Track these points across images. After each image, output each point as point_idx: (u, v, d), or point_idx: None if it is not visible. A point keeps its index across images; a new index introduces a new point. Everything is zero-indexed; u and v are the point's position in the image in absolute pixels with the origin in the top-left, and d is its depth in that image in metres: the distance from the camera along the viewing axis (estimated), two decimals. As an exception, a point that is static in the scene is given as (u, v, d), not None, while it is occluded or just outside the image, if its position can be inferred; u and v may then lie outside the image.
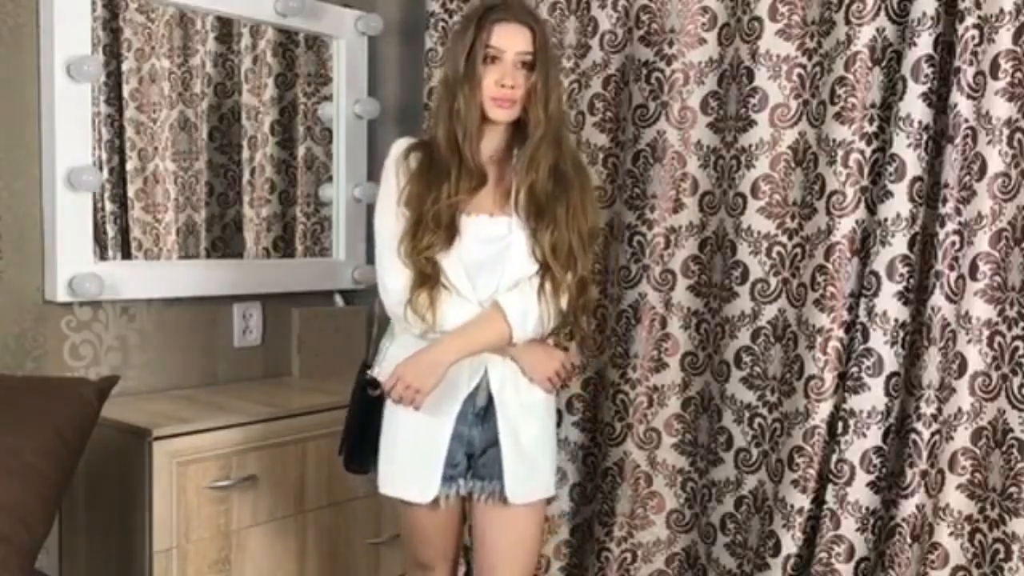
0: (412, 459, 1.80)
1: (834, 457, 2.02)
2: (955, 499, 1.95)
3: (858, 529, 2.01)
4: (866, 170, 2.02)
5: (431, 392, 1.72)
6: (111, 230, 2.32)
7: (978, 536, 1.94)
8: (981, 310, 1.91)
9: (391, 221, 1.76)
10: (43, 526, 1.64)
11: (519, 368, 1.82)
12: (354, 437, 1.86)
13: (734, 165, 2.19)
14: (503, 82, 1.71)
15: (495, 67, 1.71)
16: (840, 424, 2.02)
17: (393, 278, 1.75)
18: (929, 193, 1.95)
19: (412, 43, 2.71)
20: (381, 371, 1.80)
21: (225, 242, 2.54)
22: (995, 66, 1.85)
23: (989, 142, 1.87)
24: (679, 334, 2.31)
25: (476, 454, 1.81)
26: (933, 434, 1.92)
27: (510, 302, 1.75)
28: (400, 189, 1.76)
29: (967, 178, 1.89)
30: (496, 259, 1.77)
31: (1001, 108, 1.86)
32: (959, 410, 1.93)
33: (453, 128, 1.72)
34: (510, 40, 1.72)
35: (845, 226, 2.02)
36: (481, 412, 1.80)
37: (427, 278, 1.73)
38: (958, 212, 1.90)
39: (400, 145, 1.82)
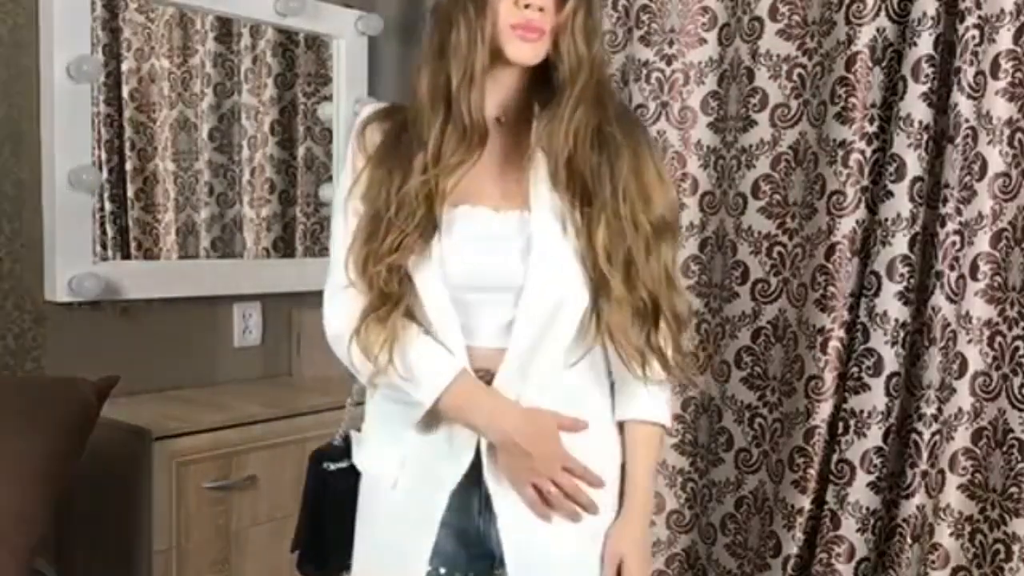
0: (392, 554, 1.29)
1: (834, 457, 2.02)
2: (955, 499, 1.95)
3: (858, 529, 2.01)
4: (866, 170, 2.02)
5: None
6: (111, 230, 2.32)
7: (978, 536, 1.94)
8: (981, 310, 1.91)
9: (339, 222, 1.26)
10: (43, 526, 1.64)
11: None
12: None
13: (734, 165, 2.19)
14: (527, 0, 1.18)
15: None
16: (840, 424, 2.02)
17: (336, 303, 1.25)
18: (930, 193, 1.95)
19: (412, 43, 2.71)
20: (360, 452, 1.34)
21: (225, 242, 2.54)
22: (996, 66, 1.85)
23: (990, 142, 1.87)
24: (679, 334, 2.30)
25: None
26: (934, 434, 1.91)
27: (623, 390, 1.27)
28: (355, 175, 1.25)
29: (967, 178, 1.89)
30: (503, 277, 1.22)
31: (1001, 108, 1.86)
32: (959, 410, 1.93)
33: (444, 70, 1.19)
34: None
35: (845, 226, 2.02)
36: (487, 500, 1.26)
37: (386, 299, 1.19)
38: (958, 212, 1.89)
39: (363, 112, 1.31)
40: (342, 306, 1.24)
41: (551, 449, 1.22)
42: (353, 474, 1.34)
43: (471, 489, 1.25)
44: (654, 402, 1.29)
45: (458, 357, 1.21)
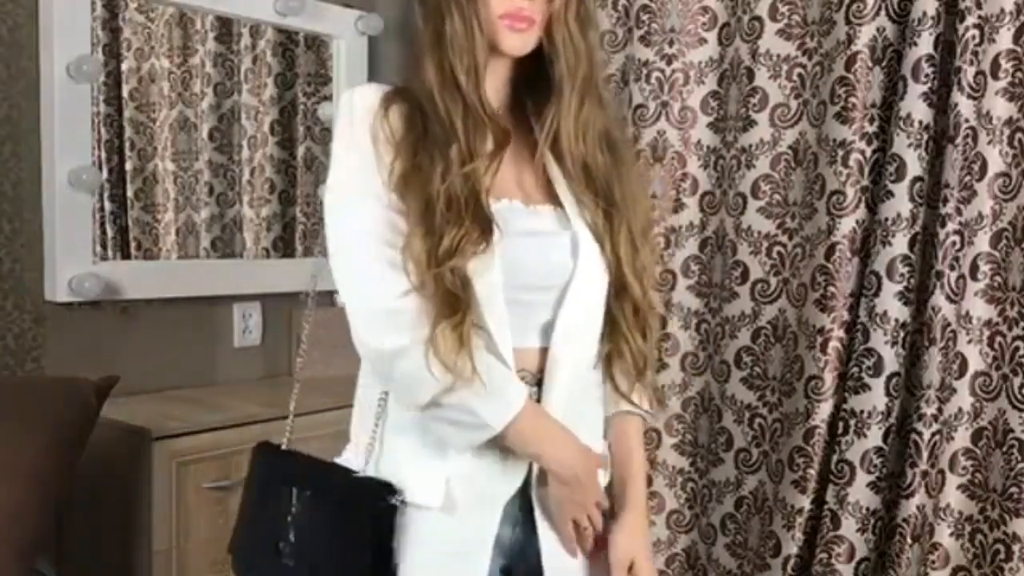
0: None
1: (834, 457, 2.02)
2: (956, 499, 1.95)
3: (858, 529, 2.01)
4: (866, 170, 2.02)
5: None
6: (111, 230, 2.32)
7: (979, 536, 1.94)
8: (982, 310, 1.91)
9: (374, 214, 1.12)
10: (43, 526, 1.64)
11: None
12: None
13: (734, 165, 2.19)
14: None
15: None
16: (840, 424, 2.02)
17: (397, 313, 1.10)
18: (930, 193, 1.95)
19: (412, 43, 2.70)
20: (391, 469, 1.18)
21: (225, 242, 2.54)
22: (996, 66, 1.85)
23: (990, 142, 1.87)
24: (679, 334, 2.30)
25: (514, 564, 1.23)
26: (934, 434, 1.91)
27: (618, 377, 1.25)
28: (388, 164, 1.12)
29: (968, 178, 1.89)
30: (554, 275, 1.18)
31: (1002, 108, 1.86)
32: (959, 410, 1.93)
33: (447, 59, 1.14)
34: None
35: (845, 226, 2.02)
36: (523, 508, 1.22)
37: (456, 304, 1.08)
38: (959, 212, 1.89)
39: (367, 94, 1.17)
40: (405, 315, 1.09)
41: (595, 486, 1.21)
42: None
43: (512, 500, 1.21)
44: (640, 396, 1.30)
45: (509, 363, 1.14)
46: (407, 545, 1.17)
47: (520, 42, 1.15)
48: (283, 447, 1.32)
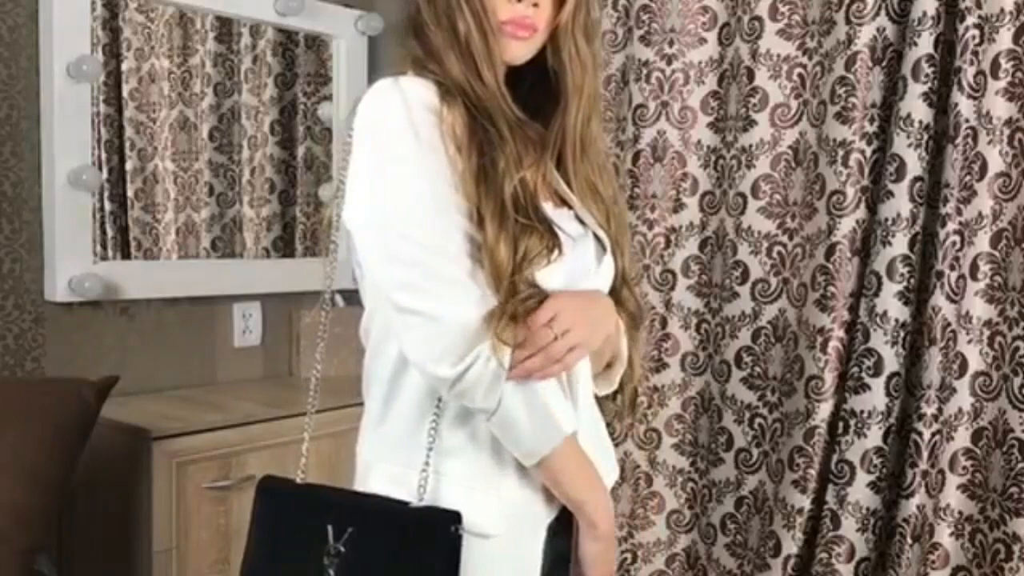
0: None
1: (834, 457, 2.02)
2: (956, 499, 1.95)
3: (858, 529, 2.01)
4: (866, 170, 2.02)
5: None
6: (111, 230, 2.31)
7: (979, 536, 1.94)
8: (982, 310, 1.91)
9: (448, 215, 1.04)
10: (43, 526, 1.64)
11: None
12: None
13: (734, 165, 2.19)
14: None
15: None
16: (840, 424, 2.02)
17: (466, 288, 1.02)
18: (930, 193, 1.95)
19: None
20: (452, 495, 1.09)
21: (225, 242, 2.54)
22: (996, 66, 1.85)
23: (990, 142, 1.87)
24: (679, 334, 2.30)
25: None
26: (934, 434, 1.91)
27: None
28: (458, 162, 1.05)
29: (968, 178, 1.89)
30: (588, 278, 1.17)
31: (1002, 108, 1.86)
32: (960, 410, 1.93)
33: (472, 57, 1.09)
34: None
35: (845, 226, 2.02)
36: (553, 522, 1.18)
37: (515, 319, 1.02)
38: (959, 212, 1.89)
39: (421, 91, 1.08)
40: (474, 292, 1.02)
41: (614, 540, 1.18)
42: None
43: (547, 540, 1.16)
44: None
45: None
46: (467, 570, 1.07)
47: (522, 50, 1.13)
48: (299, 479, 1.20)
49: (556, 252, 1.05)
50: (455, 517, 1.05)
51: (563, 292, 1.08)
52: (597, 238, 1.19)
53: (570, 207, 1.18)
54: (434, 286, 1.02)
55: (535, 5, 1.10)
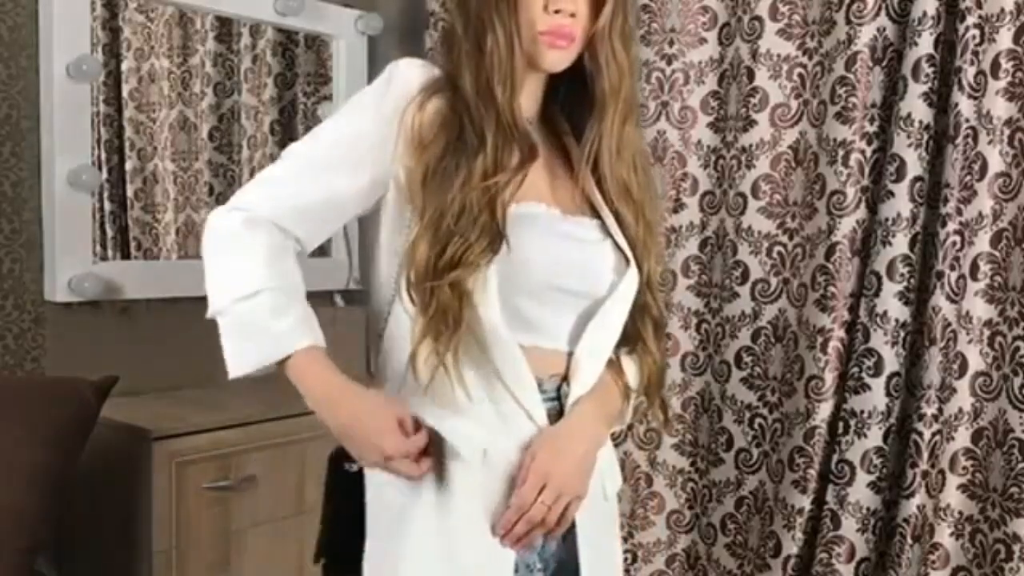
0: None
1: (835, 457, 2.02)
2: (956, 499, 1.95)
3: (859, 529, 2.01)
4: (867, 170, 2.02)
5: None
6: (111, 230, 2.31)
7: (979, 536, 1.94)
8: (982, 310, 1.91)
9: (329, 171, 1.14)
10: (43, 526, 1.64)
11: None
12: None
13: (734, 165, 2.19)
14: (558, 6, 1.13)
15: None
16: (841, 424, 2.02)
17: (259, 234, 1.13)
18: (930, 193, 1.95)
19: (412, 43, 2.70)
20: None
21: (225, 242, 2.54)
22: (996, 66, 1.85)
23: (990, 142, 1.87)
24: (679, 334, 2.30)
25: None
26: (934, 434, 1.91)
27: (628, 364, 1.24)
28: (392, 153, 1.12)
29: (968, 178, 1.89)
30: (591, 281, 1.19)
31: (1002, 108, 1.86)
32: (960, 410, 1.93)
33: (486, 71, 1.12)
34: None
35: (846, 226, 2.02)
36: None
37: (445, 319, 1.07)
38: (959, 212, 1.89)
39: (411, 77, 1.15)
40: (261, 250, 1.12)
41: (384, 423, 1.17)
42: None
43: None
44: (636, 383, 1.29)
45: (524, 378, 1.13)
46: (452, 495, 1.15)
47: (560, 59, 1.16)
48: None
49: (488, 256, 1.07)
50: (338, 456, 1.27)
51: (539, 437, 1.13)
52: (619, 248, 1.21)
53: (595, 215, 1.21)
54: (251, 186, 1.15)
55: (572, 15, 1.14)
